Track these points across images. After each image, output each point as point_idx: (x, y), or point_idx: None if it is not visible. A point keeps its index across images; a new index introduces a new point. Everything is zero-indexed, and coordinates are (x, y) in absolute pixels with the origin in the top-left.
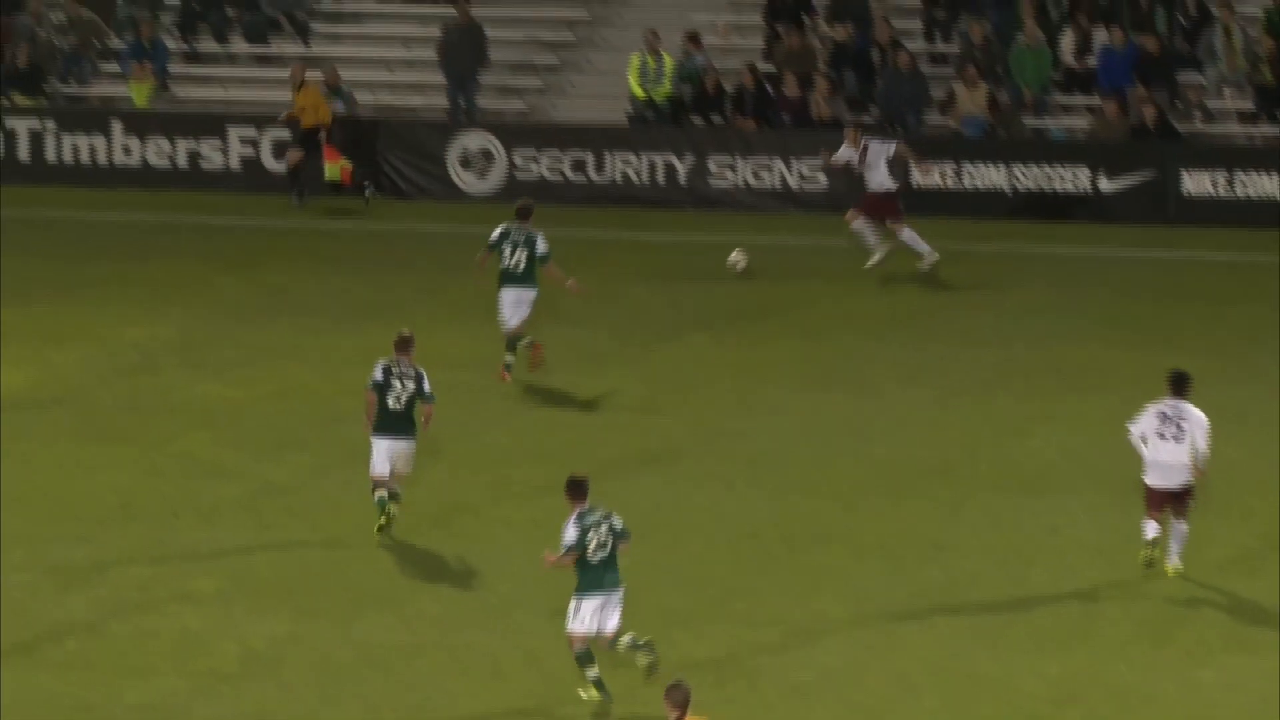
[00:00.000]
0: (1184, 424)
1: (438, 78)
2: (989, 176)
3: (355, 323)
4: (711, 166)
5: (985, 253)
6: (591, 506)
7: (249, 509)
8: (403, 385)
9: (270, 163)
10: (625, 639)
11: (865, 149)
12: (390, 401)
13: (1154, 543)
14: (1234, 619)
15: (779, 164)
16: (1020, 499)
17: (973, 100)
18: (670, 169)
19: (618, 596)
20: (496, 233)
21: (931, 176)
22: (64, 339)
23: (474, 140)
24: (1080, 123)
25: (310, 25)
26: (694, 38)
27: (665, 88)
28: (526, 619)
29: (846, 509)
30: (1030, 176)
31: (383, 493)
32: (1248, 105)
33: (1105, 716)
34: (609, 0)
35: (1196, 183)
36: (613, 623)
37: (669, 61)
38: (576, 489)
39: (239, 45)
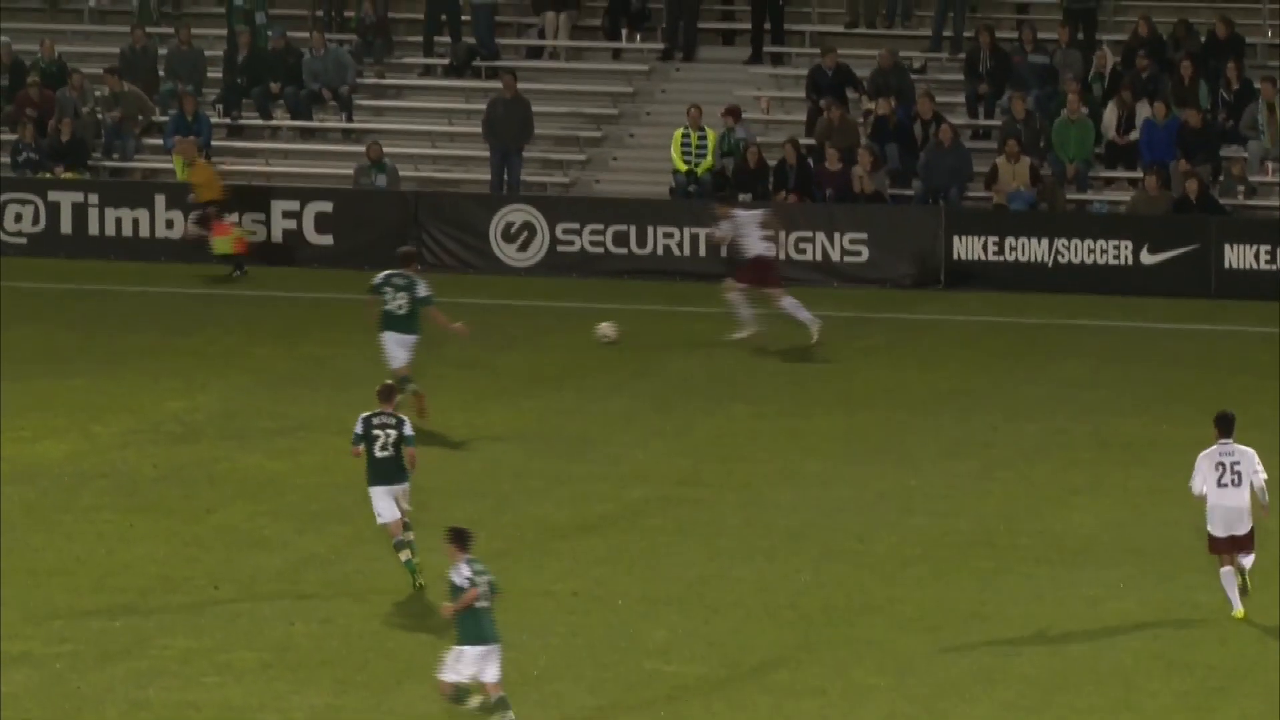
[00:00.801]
0: (1239, 467)
1: (479, 151)
2: (1031, 249)
3: None
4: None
5: (1027, 325)
6: (472, 558)
7: (290, 580)
8: (385, 433)
9: (312, 235)
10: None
11: (734, 221)
12: (377, 450)
13: (1242, 589)
14: (1278, 692)
15: (821, 237)
16: (1061, 571)
17: (1015, 174)
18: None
19: (498, 649)
20: (379, 278)
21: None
22: (105, 411)
23: (516, 214)
24: (1122, 196)
25: (353, 99)
26: (735, 112)
27: (708, 161)
28: (566, 689)
29: (887, 580)
30: (1072, 249)
31: (406, 553)
32: None
33: None
34: (652, 75)
35: (1239, 256)
36: (492, 672)
37: (711, 135)
38: (461, 538)
39: (282, 118)
